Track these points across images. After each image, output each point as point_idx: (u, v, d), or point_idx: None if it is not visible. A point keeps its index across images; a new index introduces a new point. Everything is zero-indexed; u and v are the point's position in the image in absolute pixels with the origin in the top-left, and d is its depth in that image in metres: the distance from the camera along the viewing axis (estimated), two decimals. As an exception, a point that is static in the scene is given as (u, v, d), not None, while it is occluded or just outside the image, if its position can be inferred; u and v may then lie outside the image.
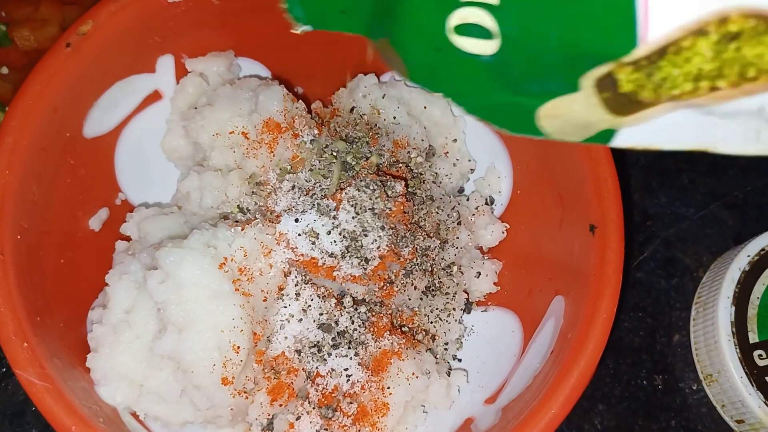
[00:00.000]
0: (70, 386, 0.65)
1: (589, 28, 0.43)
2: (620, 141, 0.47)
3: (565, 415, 0.65)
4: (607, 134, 0.47)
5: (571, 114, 0.47)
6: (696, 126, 0.44)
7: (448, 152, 0.88)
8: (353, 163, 0.78)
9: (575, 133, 0.48)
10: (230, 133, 0.80)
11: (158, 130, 0.87)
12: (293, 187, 0.77)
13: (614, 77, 0.44)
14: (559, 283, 0.77)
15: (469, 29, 0.46)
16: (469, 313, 0.86)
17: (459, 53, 0.47)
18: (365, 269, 0.72)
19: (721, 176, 1.02)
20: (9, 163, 0.69)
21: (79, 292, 0.78)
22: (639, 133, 0.46)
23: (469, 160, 0.89)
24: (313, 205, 0.74)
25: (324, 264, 0.72)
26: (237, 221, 0.75)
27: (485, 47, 0.46)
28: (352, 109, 0.86)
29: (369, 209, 0.72)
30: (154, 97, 0.87)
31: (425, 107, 0.88)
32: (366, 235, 0.71)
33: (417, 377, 0.75)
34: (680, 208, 1.01)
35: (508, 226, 0.87)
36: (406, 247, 0.75)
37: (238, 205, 0.79)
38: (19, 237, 0.69)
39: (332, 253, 0.72)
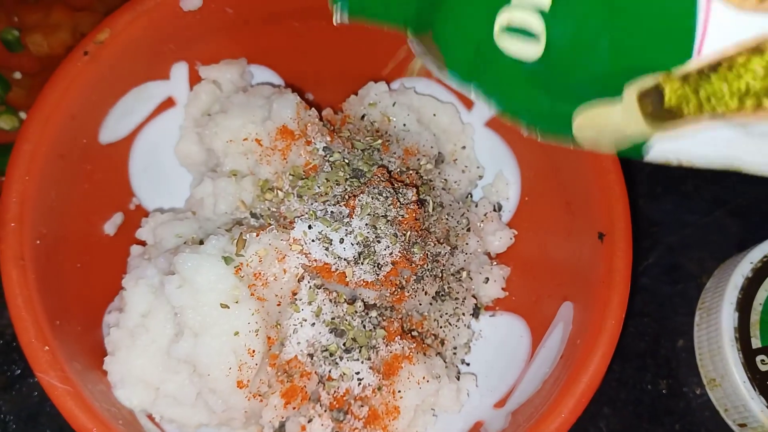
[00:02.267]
0: (89, 389, 0.66)
1: (643, 38, 0.43)
2: (654, 155, 0.47)
3: (575, 419, 0.66)
4: (641, 147, 0.47)
5: (607, 124, 0.47)
6: (730, 143, 0.44)
7: (456, 159, 0.90)
8: (365, 170, 0.79)
9: (609, 143, 0.48)
10: (244, 139, 0.81)
11: (172, 137, 0.88)
12: (305, 193, 0.78)
13: (660, 89, 0.44)
14: (567, 289, 0.79)
15: (515, 31, 0.46)
16: (477, 318, 0.88)
17: (502, 54, 0.47)
18: (378, 275, 0.73)
19: (725, 183, 1.04)
20: (28, 169, 0.70)
21: (95, 296, 0.80)
22: (673, 148, 0.46)
23: (478, 167, 0.91)
24: (326, 211, 0.75)
25: (337, 270, 0.74)
26: (251, 227, 0.76)
27: (529, 50, 0.46)
28: (362, 117, 0.88)
29: (382, 216, 0.73)
30: (168, 103, 0.88)
31: (434, 114, 0.89)
32: (379, 242, 0.73)
33: (427, 381, 0.76)
34: (684, 215, 1.02)
35: (516, 233, 0.88)
36: (417, 253, 0.76)
37: (251, 211, 0.80)
38: (38, 242, 0.70)
39: (345, 259, 0.73)
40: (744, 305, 0.88)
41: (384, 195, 0.74)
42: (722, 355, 0.87)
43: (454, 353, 0.84)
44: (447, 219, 0.83)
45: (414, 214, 0.75)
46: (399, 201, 0.75)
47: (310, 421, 0.78)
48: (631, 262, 0.71)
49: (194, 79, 0.88)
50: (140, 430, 0.71)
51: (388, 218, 0.74)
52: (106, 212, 0.83)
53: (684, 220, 1.02)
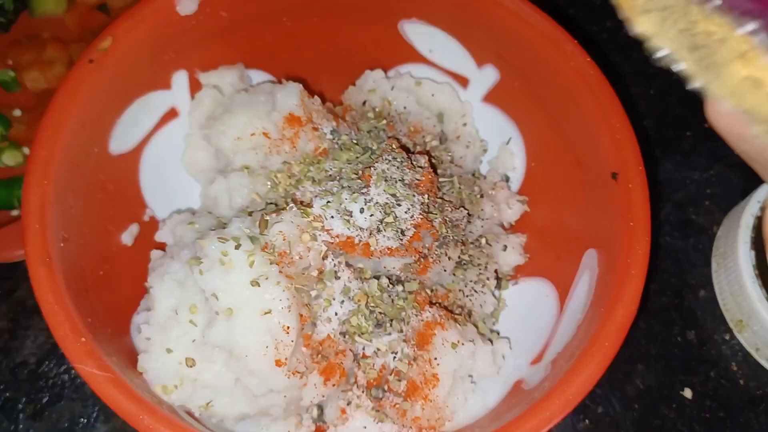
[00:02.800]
0: (130, 379, 0.66)
1: None
2: None
3: (617, 349, 0.66)
4: None
5: None
6: None
7: (459, 136, 0.92)
8: (374, 147, 0.81)
9: None
10: (251, 135, 0.83)
11: (178, 148, 0.90)
12: (319, 176, 0.79)
13: None
14: (588, 238, 0.79)
15: None
16: (500, 288, 0.88)
17: None
18: (401, 240, 0.74)
19: (719, 140, 1.06)
20: (45, 173, 0.71)
21: (120, 304, 0.79)
22: None
23: (481, 141, 0.92)
24: (342, 186, 0.76)
25: (360, 241, 0.74)
26: (271, 210, 0.76)
27: None
28: (363, 103, 0.90)
29: (399, 180, 0.74)
30: (171, 114, 0.89)
31: (433, 95, 0.91)
32: (399, 205, 0.73)
33: (463, 344, 0.76)
34: (686, 173, 1.04)
35: (528, 199, 0.89)
36: (436, 217, 0.77)
37: (267, 202, 0.81)
38: (62, 245, 0.71)
39: (368, 229, 0.74)
40: (759, 243, 0.89)
41: (399, 160, 0.75)
42: (745, 294, 0.88)
43: (483, 322, 0.84)
44: (460, 188, 0.84)
45: (429, 176, 0.76)
46: (413, 165, 0.76)
47: (349, 403, 0.78)
48: (648, 192, 0.72)
49: (194, 87, 0.89)
50: (182, 420, 0.69)
51: (405, 182, 0.75)
52: (123, 222, 0.84)
53: (686, 178, 1.03)
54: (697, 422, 0.88)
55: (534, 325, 0.83)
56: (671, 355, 0.92)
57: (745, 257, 0.88)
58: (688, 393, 0.90)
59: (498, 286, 0.87)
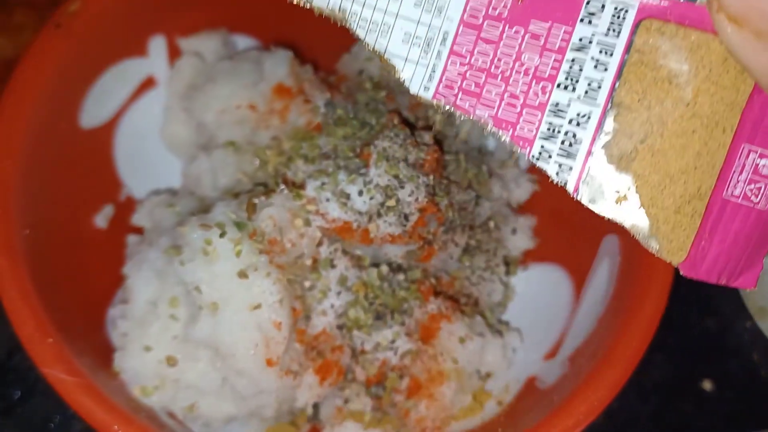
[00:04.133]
0: (103, 383, 0.59)
1: None
2: None
3: (646, 347, 0.60)
4: None
5: None
6: None
7: (465, 109, 0.84)
8: (373, 121, 0.73)
9: None
10: (236, 107, 0.75)
11: (156, 121, 0.82)
12: (312, 153, 0.72)
13: None
14: (607, 223, 0.72)
15: None
16: (509, 274, 0.81)
17: None
18: (405, 226, 0.67)
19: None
20: (8, 151, 0.64)
21: (94, 295, 0.72)
22: None
23: (488, 114, 0.85)
24: (338, 166, 0.69)
25: (359, 226, 0.67)
26: (259, 192, 0.69)
27: None
28: (360, 72, 0.82)
29: (402, 160, 0.67)
30: (148, 84, 0.81)
31: (436, 64, 0.83)
32: (402, 187, 0.66)
33: (471, 339, 0.70)
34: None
35: (538, 177, 0.83)
36: (442, 200, 0.70)
37: (255, 183, 0.73)
38: (27, 232, 0.63)
39: (367, 213, 0.66)
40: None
41: (401, 137, 0.68)
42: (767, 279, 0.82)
43: (491, 312, 0.78)
44: (467, 167, 0.77)
45: (435, 155, 0.69)
46: (417, 142, 0.69)
47: (346, 402, 0.71)
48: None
49: (174, 54, 0.82)
50: (164, 426, 0.63)
51: (409, 161, 0.67)
52: (95, 203, 0.76)
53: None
54: (716, 415, 0.83)
55: (546, 316, 0.77)
56: (690, 345, 0.86)
57: (770, 239, 0.82)
58: (707, 385, 0.84)
59: (507, 273, 0.81)
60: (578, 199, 0.39)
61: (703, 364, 0.85)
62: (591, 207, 0.39)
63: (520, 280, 0.82)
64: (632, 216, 0.40)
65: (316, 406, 0.72)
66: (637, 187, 0.39)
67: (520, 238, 0.81)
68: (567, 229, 0.79)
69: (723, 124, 0.39)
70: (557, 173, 0.39)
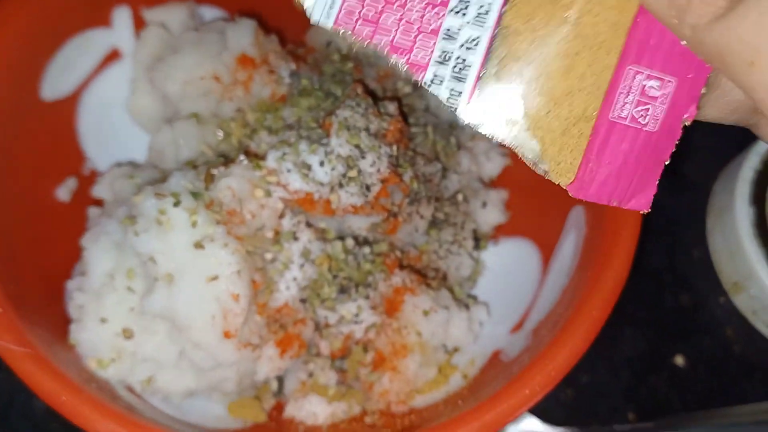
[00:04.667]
0: (55, 355, 0.58)
1: None
2: None
3: (605, 318, 0.59)
4: None
5: None
6: None
7: (435, 81, 0.83)
8: (338, 93, 0.72)
9: None
10: (201, 78, 0.74)
11: (122, 94, 0.81)
12: (276, 125, 0.71)
13: None
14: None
15: None
16: (478, 248, 0.80)
17: None
18: (366, 196, 0.66)
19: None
20: (-40, 121, 0.62)
21: (54, 268, 0.71)
22: None
23: (459, 87, 0.84)
24: (300, 136, 0.67)
25: (320, 197, 0.66)
26: (219, 162, 0.68)
27: None
28: (328, 44, 0.81)
29: (363, 129, 0.66)
30: (113, 56, 0.80)
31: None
32: (364, 158, 0.65)
33: (435, 311, 0.69)
34: (680, 123, 0.96)
35: (510, 151, 0.81)
36: (406, 171, 0.69)
37: (218, 155, 0.72)
38: (-21, 202, 0.62)
39: (328, 184, 0.65)
40: (758, 199, 0.82)
41: (363, 106, 0.67)
42: (743, 254, 0.81)
43: (460, 287, 0.77)
44: (434, 139, 0.76)
45: (398, 125, 0.68)
46: (380, 112, 0.68)
47: (310, 375, 0.71)
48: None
49: (139, 25, 0.80)
50: (119, 399, 0.62)
51: (371, 131, 0.66)
52: (57, 176, 0.75)
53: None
54: (689, 391, 0.82)
55: (514, 290, 0.76)
56: (662, 319, 0.85)
57: (743, 214, 0.81)
58: (679, 360, 0.83)
59: (476, 247, 0.80)
60: (468, 123, 0.39)
61: (676, 340, 0.84)
62: (481, 130, 0.39)
63: (490, 254, 0.81)
64: (520, 138, 0.40)
65: (280, 381, 0.72)
66: (524, 109, 0.39)
67: (490, 212, 0.80)
68: (537, 201, 0.78)
69: (608, 45, 0.39)
70: (448, 98, 0.40)
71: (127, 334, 0.63)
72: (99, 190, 0.73)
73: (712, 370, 0.83)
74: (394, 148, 0.67)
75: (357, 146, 0.65)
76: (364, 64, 0.78)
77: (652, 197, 0.43)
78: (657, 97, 0.40)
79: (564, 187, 0.41)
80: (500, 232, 0.81)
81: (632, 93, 0.40)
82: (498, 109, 0.39)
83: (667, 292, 0.87)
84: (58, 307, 0.69)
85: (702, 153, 0.94)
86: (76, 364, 0.61)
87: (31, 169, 0.72)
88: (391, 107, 0.70)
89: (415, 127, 0.76)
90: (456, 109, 0.40)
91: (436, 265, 0.76)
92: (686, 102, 0.41)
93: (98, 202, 0.75)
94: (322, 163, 0.65)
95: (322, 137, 0.67)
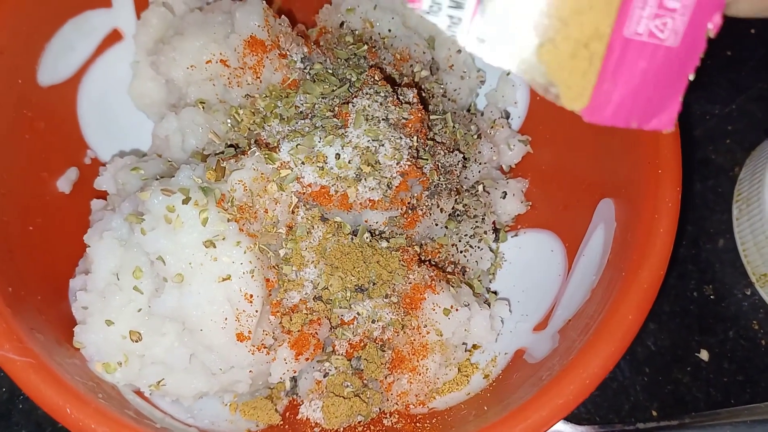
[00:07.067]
0: (58, 362, 0.55)
1: None
2: None
3: (643, 319, 0.56)
4: None
5: None
6: None
7: (453, 65, 0.79)
8: (353, 78, 0.68)
9: None
10: (207, 62, 0.70)
11: (124, 77, 0.77)
12: (288, 113, 0.67)
13: None
14: (602, 187, 0.68)
15: None
16: (498, 240, 0.77)
17: None
18: (386, 191, 0.62)
19: (741, 69, 0.94)
20: (-47, 111, 0.58)
21: (56, 263, 0.68)
22: None
23: (478, 71, 0.80)
24: (315, 126, 0.64)
25: (337, 192, 0.62)
26: (230, 154, 0.64)
27: None
28: (341, 24, 0.76)
29: (383, 119, 0.62)
30: (114, 37, 0.76)
31: (422, 16, 0.78)
32: (383, 149, 0.61)
33: (456, 310, 0.66)
34: (705, 106, 0.92)
35: (531, 139, 0.78)
36: (427, 162, 0.65)
37: (227, 143, 0.68)
38: (-25, 198, 0.58)
39: (345, 177, 0.62)
40: (790, 188, 0.78)
41: (382, 94, 0.63)
42: (772, 245, 0.78)
43: (479, 281, 0.74)
44: (454, 127, 0.72)
45: (419, 115, 0.64)
46: (399, 101, 0.64)
47: (325, 375, 0.67)
48: (679, 134, 0.60)
49: (141, 5, 0.76)
50: (127, 405, 0.59)
51: (390, 121, 0.62)
52: (58, 167, 0.71)
53: (705, 112, 0.92)
54: (713, 387, 0.79)
55: (537, 285, 0.72)
56: (686, 312, 0.82)
57: (772, 203, 0.78)
58: (704, 354, 0.80)
59: (496, 239, 0.76)
60: (469, 51, 0.37)
61: (700, 334, 0.81)
62: (485, 59, 0.37)
63: (509, 246, 0.77)
64: (526, 64, 0.37)
65: (294, 380, 0.69)
66: (529, 33, 0.37)
67: (510, 202, 0.76)
68: (560, 193, 0.75)
69: None
70: (448, 26, 0.38)
71: (135, 336, 0.60)
72: (101, 182, 0.69)
73: (738, 365, 0.80)
74: (415, 138, 0.64)
75: (376, 137, 0.61)
76: (379, 47, 0.74)
77: (676, 116, 0.39)
78: (676, 9, 0.37)
79: (578, 113, 0.38)
80: (520, 223, 0.78)
81: (648, 6, 0.37)
82: (501, 35, 0.36)
83: (692, 284, 0.83)
84: (61, 305, 0.65)
85: (729, 138, 0.90)
86: (81, 369, 0.58)
87: (29, 159, 0.68)
88: (410, 94, 0.66)
89: (434, 114, 0.72)
90: (456, 36, 0.37)
91: (455, 258, 0.73)
92: (710, 9, 0.38)
93: (102, 194, 0.71)
94: (338, 155, 0.62)
95: (338, 127, 0.63)
